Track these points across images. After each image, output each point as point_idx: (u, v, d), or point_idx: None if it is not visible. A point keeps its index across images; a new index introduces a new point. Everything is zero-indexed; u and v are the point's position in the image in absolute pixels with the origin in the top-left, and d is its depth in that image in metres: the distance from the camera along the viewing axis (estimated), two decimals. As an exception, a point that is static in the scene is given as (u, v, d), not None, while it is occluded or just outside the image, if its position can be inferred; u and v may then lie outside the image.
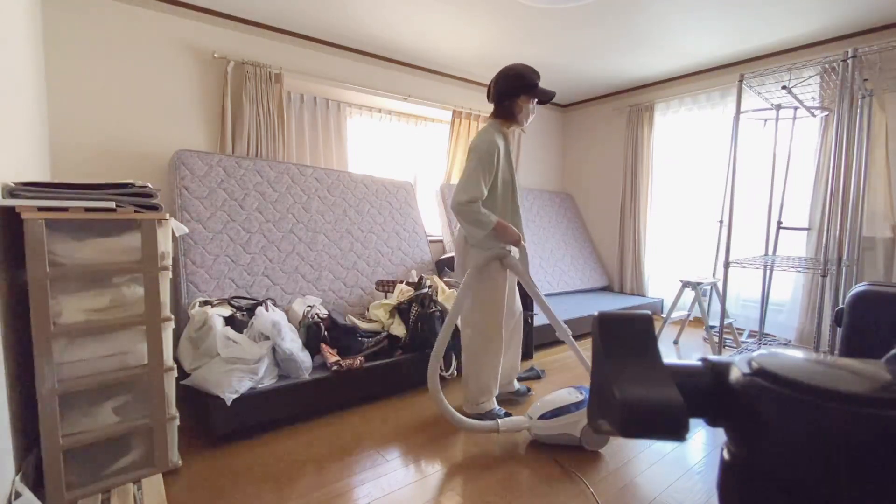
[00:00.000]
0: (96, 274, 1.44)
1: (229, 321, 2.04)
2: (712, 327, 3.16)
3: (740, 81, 2.55)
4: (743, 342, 3.26)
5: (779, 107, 2.88)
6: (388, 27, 2.96)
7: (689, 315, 3.41)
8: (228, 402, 1.72)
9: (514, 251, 2.00)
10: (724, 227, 2.66)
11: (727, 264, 2.60)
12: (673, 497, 1.51)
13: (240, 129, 2.81)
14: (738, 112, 2.60)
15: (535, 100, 1.95)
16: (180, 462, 1.61)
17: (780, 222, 2.99)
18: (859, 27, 2.87)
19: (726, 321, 3.03)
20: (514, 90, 1.90)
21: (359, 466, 1.67)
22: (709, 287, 3.36)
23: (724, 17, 2.76)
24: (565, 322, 3.24)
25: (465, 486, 1.56)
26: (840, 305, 1.13)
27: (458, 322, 2.44)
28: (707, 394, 0.62)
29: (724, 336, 2.98)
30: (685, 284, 3.18)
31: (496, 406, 2.05)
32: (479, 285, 1.94)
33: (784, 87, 2.46)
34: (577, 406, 1.79)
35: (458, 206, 1.82)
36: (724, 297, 2.65)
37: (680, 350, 3.17)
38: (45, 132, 2.21)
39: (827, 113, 2.89)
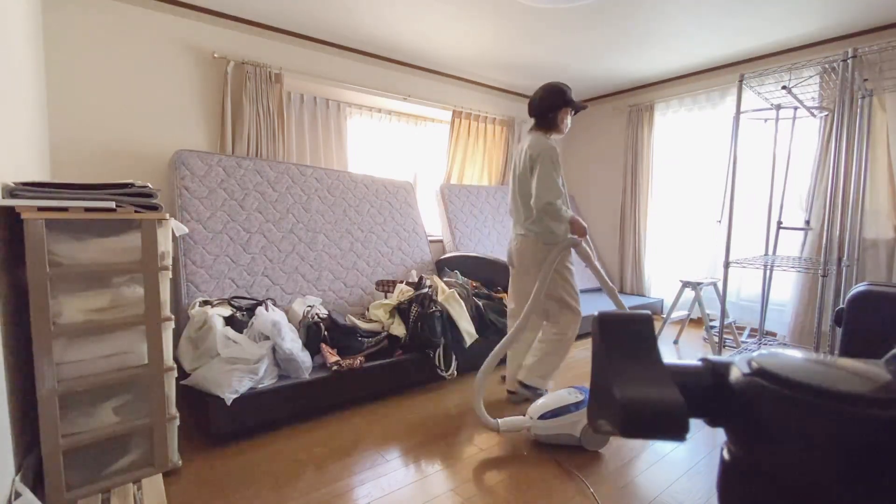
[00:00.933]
0: (96, 274, 1.44)
1: (229, 321, 2.04)
2: (712, 327, 3.16)
3: (740, 81, 2.55)
4: (743, 342, 3.26)
5: (779, 107, 2.87)
6: (388, 27, 2.96)
7: (688, 315, 3.41)
8: (228, 402, 1.72)
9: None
10: (724, 227, 2.66)
11: (727, 264, 2.60)
12: (673, 497, 1.51)
13: (240, 129, 2.81)
14: (738, 112, 2.60)
15: (572, 111, 2.18)
16: (180, 462, 1.61)
17: (780, 222, 2.99)
18: (859, 27, 2.87)
19: (726, 321, 3.04)
20: (557, 104, 2.12)
21: (359, 466, 1.67)
22: (709, 287, 3.36)
23: (724, 17, 2.76)
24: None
25: (465, 486, 1.56)
26: (840, 305, 1.13)
27: (465, 325, 2.45)
28: (707, 394, 0.62)
29: (724, 336, 2.98)
30: (685, 284, 3.18)
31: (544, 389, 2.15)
32: (560, 278, 2.12)
33: (784, 87, 2.46)
34: (576, 406, 1.79)
35: (546, 206, 2.00)
36: (724, 297, 2.65)
37: (680, 350, 3.17)
38: (45, 132, 2.21)
39: (827, 113, 2.89)
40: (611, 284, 2.05)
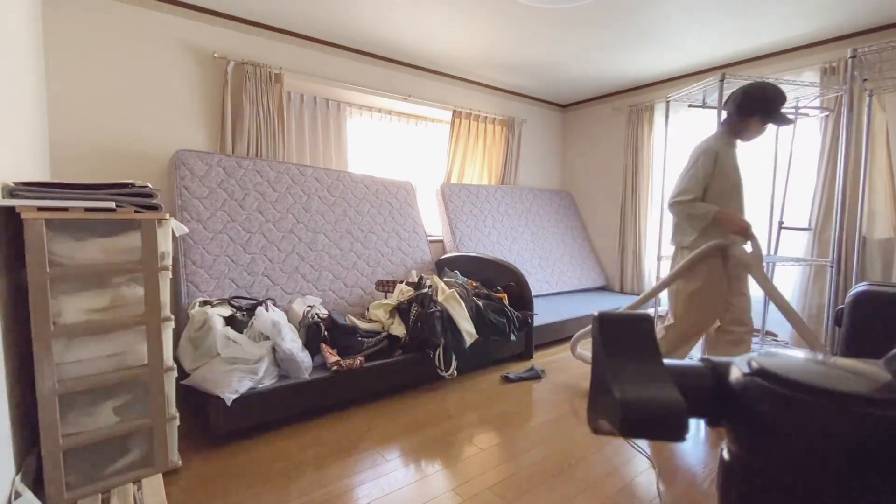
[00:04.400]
0: (96, 274, 1.44)
1: (229, 321, 2.04)
2: None
3: (721, 81, 2.52)
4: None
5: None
6: (388, 27, 2.96)
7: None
8: (228, 402, 1.72)
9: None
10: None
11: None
12: (673, 497, 1.51)
13: (240, 129, 2.81)
14: (720, 109, 2.57)
15: (768, 122, 1.93)
16: (180, 462, 1.61)
17: (781, 222, 2.99)
18: (859, 27, 2.87)
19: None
20: (750, 110, 1.89)
21: (359, 466, 1.67)
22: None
23: (724, 18, 2.76)
24: (565, 322, 3.26)
25: (465, 486, 1.56)
26: (840, 305, 1.13)
27: (465, 325, 2.45)
28: (707, 394, 0.62)
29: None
30: None
31: None
32: (689, 279, 1.96)
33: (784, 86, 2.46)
34: None
35: (672, 203, 1.97)
36: None
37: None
38: (45, 132, 2.21)
39: (827, 113, 2.89)
40: (789, 307, 1.79)
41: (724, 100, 2.13)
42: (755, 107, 1.87)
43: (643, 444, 1.85)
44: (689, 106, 2.99)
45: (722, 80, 2.52)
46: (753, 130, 1.93)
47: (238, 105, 2.82)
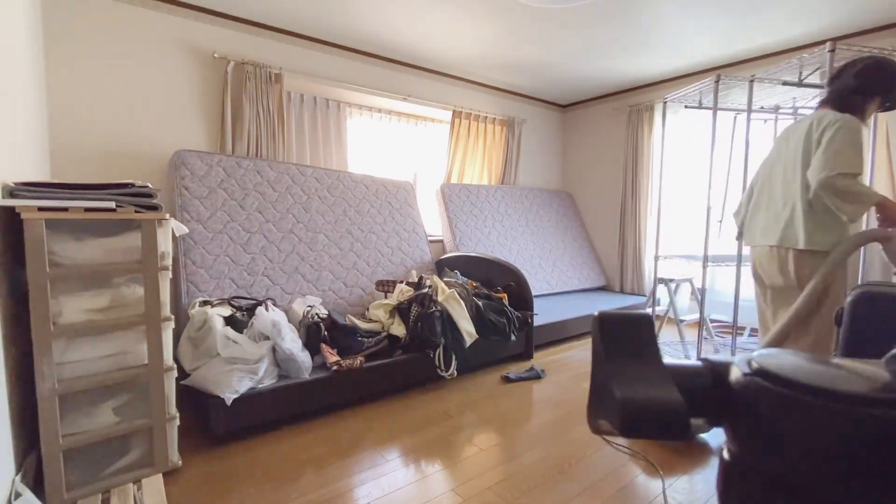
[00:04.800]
0: (96, 274, 1.44)
1: (229, 321, 2.04)
2: (682, 321, 3.17)
3: (717, 82, 2.52)
4: (744, 342, 3.26)
5: (777, 108, 2.88)
6: (388, 27, 2.96)
7: (666, 311, 3.44)
8: (228, 402, 1.72)
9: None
10: (708, 225, 2.65)
11: (705, 264, 2.63)
12: (673, 497, 1.51)
13: (240, 129, 2.81)
14: (716, 109, 2.57)
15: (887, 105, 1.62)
16: (180, 462, 1.61)
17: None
18: (859, 27, 2.87)
19: (686, 318, 3.20)
20: (878, 88, 1.56)
21: (359, 466, 1.67)
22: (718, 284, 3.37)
23: (724, 18, 2.76)
24: (565, 322, 3.26)
25: (465, 486, 1.56)
26: (840, 305, 1.13)
27: (465, 325, 2.45)
28: (707, 394, 0.63)
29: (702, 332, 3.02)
30: (660, 281, 3.17)
31: None
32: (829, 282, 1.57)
33: (786, 83, 2.46)
34: None
35: (832, 175, 1.45)
36: (703, 293, 2.68)
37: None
38: (45, 132, 2.21)
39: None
40: None
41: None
42: (885, 84, 1.55)
43: (637, 447, 1.85)
44: (686, 107, 2.99)
45: (717, 81, 2.52)
46: (869, 114, 1.61)
47: (238, 105, 2.82)
